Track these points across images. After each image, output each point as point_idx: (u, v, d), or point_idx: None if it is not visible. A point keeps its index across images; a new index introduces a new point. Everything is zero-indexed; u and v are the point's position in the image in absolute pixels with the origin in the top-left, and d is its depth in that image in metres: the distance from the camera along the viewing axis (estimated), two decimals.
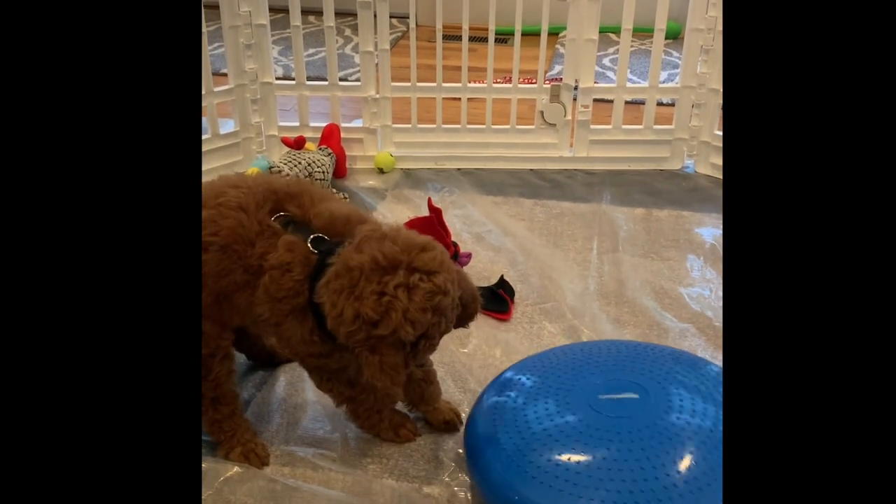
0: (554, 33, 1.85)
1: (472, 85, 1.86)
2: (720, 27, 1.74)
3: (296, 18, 1.75)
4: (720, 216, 1.73)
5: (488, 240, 1.63)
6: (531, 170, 1.91)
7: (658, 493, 0.89)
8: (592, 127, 1.88)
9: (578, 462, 0.94)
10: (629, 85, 1.90)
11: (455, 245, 1.41)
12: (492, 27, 1.78)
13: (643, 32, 2.32)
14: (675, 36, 1.81)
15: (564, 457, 0.95)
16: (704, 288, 1.48)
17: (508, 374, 1.12)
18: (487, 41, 1.80)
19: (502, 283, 1.44)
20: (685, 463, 0.92)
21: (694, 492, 0.89)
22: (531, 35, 1.85)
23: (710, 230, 1.67)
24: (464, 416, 1.14)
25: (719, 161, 1.87)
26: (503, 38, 1.80)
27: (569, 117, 1.87)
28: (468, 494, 1.04)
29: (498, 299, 1.41)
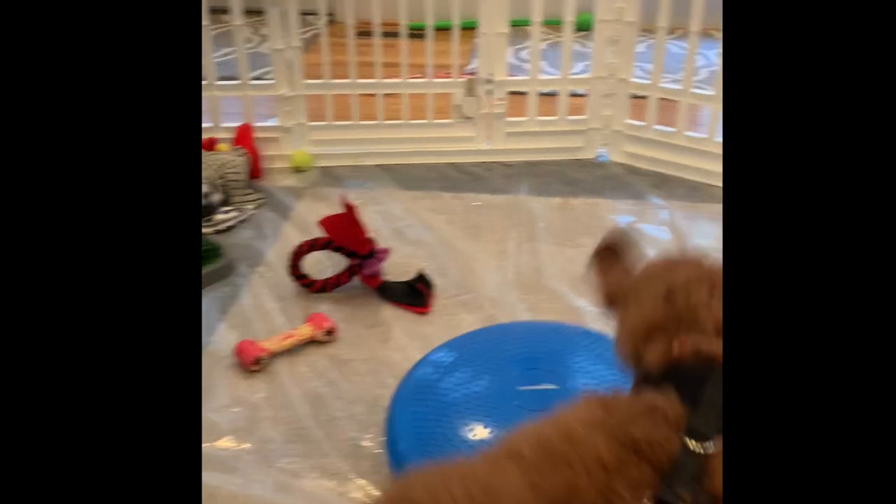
0: (471, 27, 1.86)
1: (386, 80, 1.86)
2: (628, 17, 1.78)
3: (205, 18, 1.72)
4: (634, 202, 1.78)
5: (407, 234, 1.63)
6: (450, 163, 1.93)
7: None
8: (508, 119, 1.91)
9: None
10: (542, 77, 1.93)
11: (371, 241, 1.41)
12: (404, 22, 1.78)
13: (558, 25, 2.36)
14: (587, 27, 1.85)
15: (477, 425, 0.97)
16: None
17: (432, 356, 1.14)
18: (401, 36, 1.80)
19: (420, 277, 1.45)
20: None
21: None
22: (447, 30, 1.86)
23: (624, 217, 1.72)
24: (383, 411, 1.14)
25: (632, 149, 1.92)
26: (419, 33, 1.80)
27: (485, 110, 1.89)
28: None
29: (416, 293, 1.41)
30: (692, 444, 0.54)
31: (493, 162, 1.94)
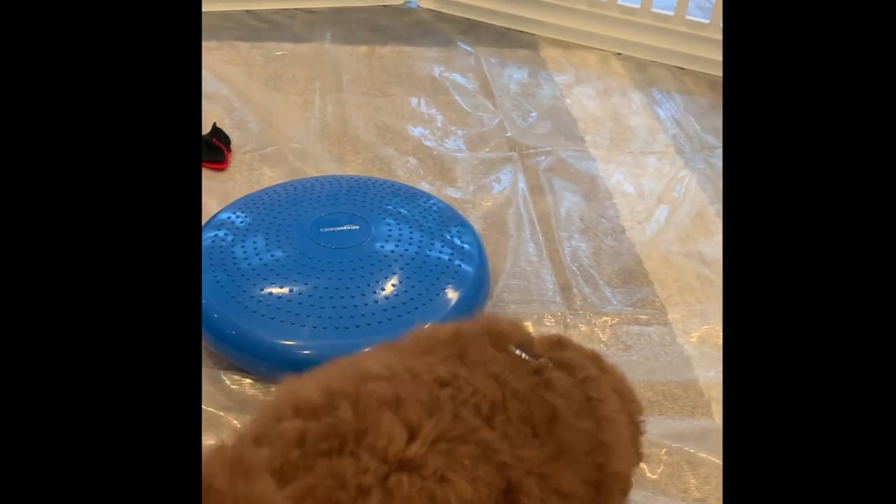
0: None
1: None
2: None
3: None
4: (442, 49, 1.74)
5: (201, 88, 1.50)
6: (247, 11, 1.77)
7: (368, 315, 0.91)
8: None
9: (292, 291, 0.93)
10: None
11: None
12: None
13: None
14: None
15: (279, 288, 0.93)
16: (426, 121, 1.49)
17: (223, 215, 1.07)
18: None
19: (216, 131, 1.34)
20: (393, 285, 0.95)
21: (402, 312, 0.92)
22: None
23: (433, 65, 1.68)
24: None
25: None
26: None
27: None
28: None
29: (212, 149, 1.32)
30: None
31: (295, 9, 1.80)
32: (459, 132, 1.47)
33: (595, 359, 0.66)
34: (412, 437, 0.48)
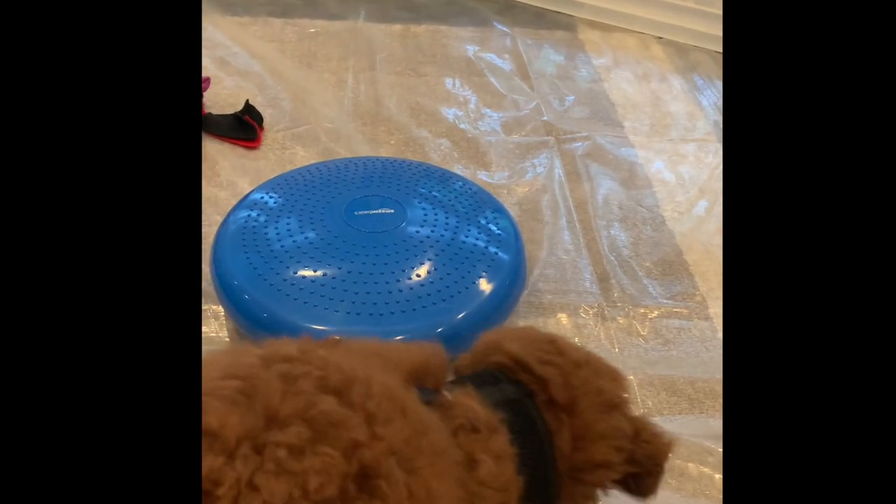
0: None
1: None
2: None
3: None
4: (477, 29, 1.70)
5: (233, 64, 1.48)
6: None
7: (403, 302, 0.89)
8: None
9: (325, 274, 0.91)
10: None
11: None
12: None
13: None
14: None
15: (312, 271, 0.91)
16: (461, 102, 1.46)
17: (255, 195, 1.05)
18: None
19: (249, 108, 1.32)
20: (428, 272, 0.93)
21: (437, 300, 0.90)
22: None
23: (468, 45, 1.64)
24: (208, 248, 1.06)
25: None
26: None
27: None
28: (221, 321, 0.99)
29: (245, 126, 1.30)
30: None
31: None
32: (494, 115, 1.43)
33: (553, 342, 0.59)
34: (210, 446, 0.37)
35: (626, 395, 0.57)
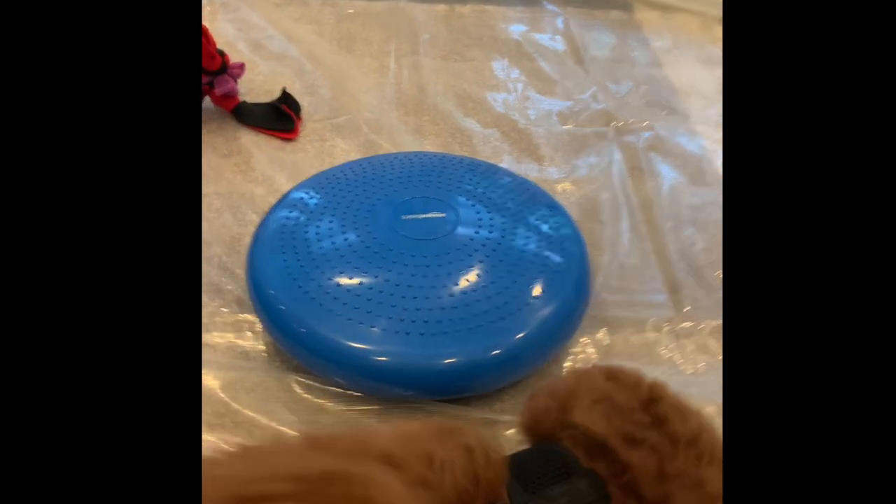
0: None
1: None
2: None
3: None
4: (527, 9, 1.59)
5: (269, 47, 1.40)
6: None
7: (457, 320, 0.80)
8: None
9: (371, 289, 0.82)
10: None
11: (222, 54, 1.18)
12: None
13: None
14: None
15: (356, 283, 0.83)
16: (510, 89, 1.36)
17: (296, 194, 0.96)
18: None
19: (286, 97, 1.24)
20: (483, 287, 0.84)
21: (495, 319, 0.81)
22: None
23: (517, 26, 1.53)
24: (244, 250, 0.98)
25: None
26: None
27: None
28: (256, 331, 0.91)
29: (282, 116, 1.21)
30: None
31: None
32: (546, 103, 1.33)
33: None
34: None
35: None
